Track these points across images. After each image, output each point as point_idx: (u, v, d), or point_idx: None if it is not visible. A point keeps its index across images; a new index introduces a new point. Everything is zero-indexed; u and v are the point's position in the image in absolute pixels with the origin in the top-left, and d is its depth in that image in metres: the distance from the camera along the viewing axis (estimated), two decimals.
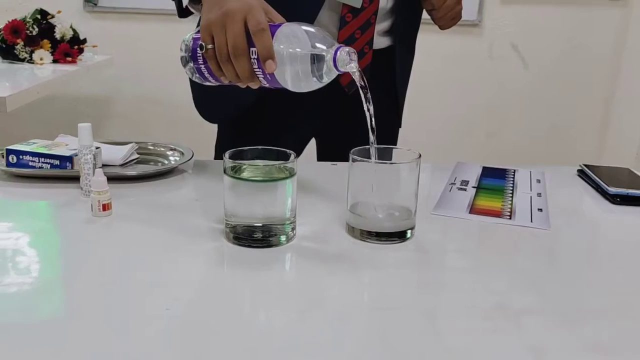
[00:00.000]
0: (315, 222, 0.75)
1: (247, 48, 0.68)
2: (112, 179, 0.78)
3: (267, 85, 0.72)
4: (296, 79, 0.69)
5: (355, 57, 0.67)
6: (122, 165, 0.93)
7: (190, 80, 0.85)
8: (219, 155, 1.13)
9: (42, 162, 0.88)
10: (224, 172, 0.67)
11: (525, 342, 0.50)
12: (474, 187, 0.93)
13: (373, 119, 0.69)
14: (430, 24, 1.05)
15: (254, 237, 0.67)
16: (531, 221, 0.79)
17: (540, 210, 0.83)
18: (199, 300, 0.57)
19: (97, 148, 0.84)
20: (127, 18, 2.47)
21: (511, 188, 0.93)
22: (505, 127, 2.68)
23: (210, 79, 0.76)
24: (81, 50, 2.08)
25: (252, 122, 1.06)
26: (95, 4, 2.45)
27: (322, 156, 1.20)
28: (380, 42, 1.04)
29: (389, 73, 1.08)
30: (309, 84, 0.69)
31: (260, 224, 0.67)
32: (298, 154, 0.96)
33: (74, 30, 2.07)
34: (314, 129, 1.15)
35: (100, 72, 2.29)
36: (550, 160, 2.52)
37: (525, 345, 0.50)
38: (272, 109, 1.04)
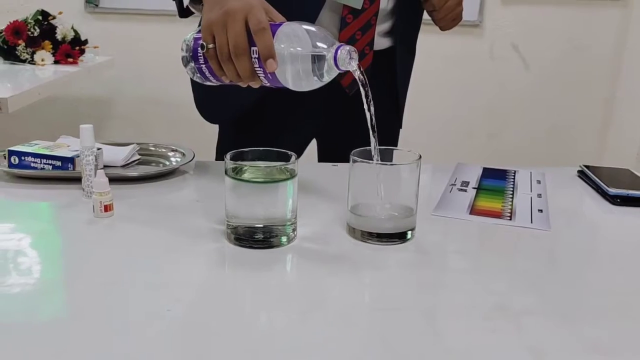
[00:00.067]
0: (316, 223, 0.75)
1: (248, 47, 0.69)
2: (113, 180, 0.79)
3: (268, 84, 0.72)
4: (297, 78, 0.69)
5: (355, 55, 0.67)
6: (123, 166, 0.94)
7: (192, 81, 0.85)
8: (220, 157, 1.14)
9: (44, 163, 0.88)
10: (225, 173, 0.67)
11: (525, 342, 0.50)
12: (474, 188, 0.93)
13: (373, 118, 0.69)
14: (430, 25, 1.05)
15: (255, 238, 0.67)
16: (531, 222, 0.79)
17: (541, 211, 0.83)
18: (200, 301, 0.57)
19: (98, 149, 0.84)
20: (128, 19, 2.47)
21: (511, 189, 0.93)
22: (506, 127, 2.68)
23: (211, 78, 0.77)
24: (82, 51, 2.08)
25: (253, 122, 1.06)
26: (97, 5, 2.45)
27: (322, 157, 1.20)
28: (381, 43, 1.05)
29: (390, 74, 1.08)
30: (309, 83, 0.69)
31: (261, 225, 0.67)
32: (299, 154, 0.96)
33: (75, 31, 2.07)
34: (315, 129, 1.15)
35: (101, 73, 2.29)
36: (551, 161, 2.52)
37: (525, 345, 0.50)
38: (273, 109, 1.04)
